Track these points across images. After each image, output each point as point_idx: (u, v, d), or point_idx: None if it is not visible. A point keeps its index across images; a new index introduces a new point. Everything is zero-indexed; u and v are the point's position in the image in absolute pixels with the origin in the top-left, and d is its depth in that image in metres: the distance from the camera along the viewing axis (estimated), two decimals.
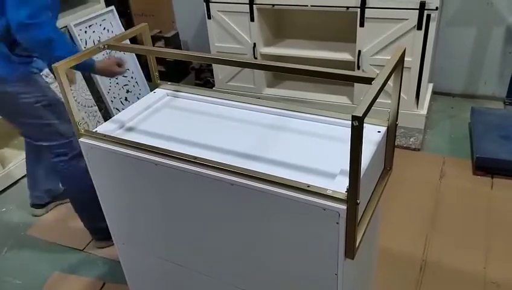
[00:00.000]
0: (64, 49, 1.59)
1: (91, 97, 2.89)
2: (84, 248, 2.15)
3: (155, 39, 3.50)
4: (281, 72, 1.18)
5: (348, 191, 0.93)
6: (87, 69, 1.87)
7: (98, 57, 1.93)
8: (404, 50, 1.05)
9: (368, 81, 0.98)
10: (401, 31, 2.54)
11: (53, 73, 1.29)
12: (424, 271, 1.88)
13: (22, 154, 2.38)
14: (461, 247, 1.98)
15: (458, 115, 2.98)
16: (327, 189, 0.96)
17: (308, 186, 0.98)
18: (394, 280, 1.85)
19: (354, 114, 0.82)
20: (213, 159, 1.10)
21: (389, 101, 1.13)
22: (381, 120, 1.19)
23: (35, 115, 1.82)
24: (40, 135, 1.90)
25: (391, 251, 1.96)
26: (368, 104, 0.85)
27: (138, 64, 3.16)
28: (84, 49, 2.78)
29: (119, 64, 1.90)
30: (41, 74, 1.84)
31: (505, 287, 1.79)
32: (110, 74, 1.91)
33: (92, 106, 2.89)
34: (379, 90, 0.91)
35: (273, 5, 2.78)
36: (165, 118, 1.36)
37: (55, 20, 1.71)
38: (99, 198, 1.41)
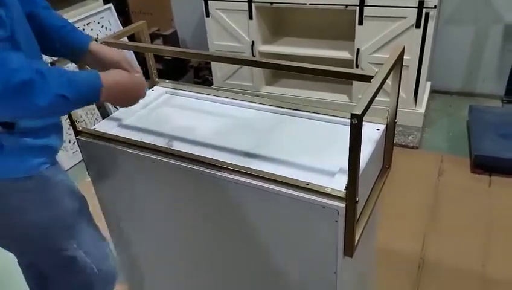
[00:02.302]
0: (54, 86, 0.87)
1: None
2: None
3: (153, 37, 3.49)
4: (280, 70, 1.18)
5: (346, 189, 0.93)
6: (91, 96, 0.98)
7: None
8: (403, 48, 1.05)
9: (367, 79, 0.98)
10: (399, 29, 2.54)
11: None
12: (422, 269, 1.88)
13: None
14: (459, 245, 1.98)
15: (456, 113, 2.99)
16: (326, 187, 0.96)
17: (307, 184, 0.98)
18: (393, 278, 1.85)
19: (353, 112, 0.82)
20: (211, 157, 1.09)
21: (388, 99, 1.13)
22: (380, 118, 1.19)
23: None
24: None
25: (389, 249, 1.96)
26: (367, 102, 0.85)
27: (136, 61, 3.15)
28: None
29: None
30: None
31: (503, 285, 1.79)
32: (132, 97, 1.12)
33: None
34: (378, 88, 0.91)
35: (272, 3, 2.77)
36: (163, 116, 1.36)
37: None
38: (97, 196, 1.41)
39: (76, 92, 0.91)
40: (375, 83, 0.93)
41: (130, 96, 1.11)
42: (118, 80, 1.04)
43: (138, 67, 1.23)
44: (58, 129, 0.99)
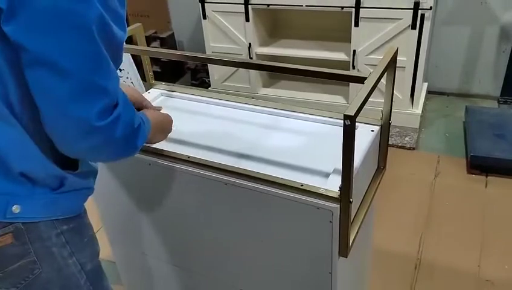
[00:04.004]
0: (136, 123, 0.89)
1: None
2: None
3: (150, 39, 3.49)
4: (276, 72, 1.19)
5: (340, 189, 0.93)
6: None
7: None
8: (397, 50, 1.06)
9: (361, 80, 0.99)
10: (395, 30, 2.55)
11: None
12: (418, 269, 1.89)
13: None
14: (456, 245, 1.99)
15: (453, 114, 3.00)
16: (320, 188, 0.97)
17: (301, 185, 0.98)
18: (389, 278, 1.85)
19: (345, 113, 0.83)
20: (207, 159, 1.10)
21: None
22: (374, 119, 1.19)
23: None
24: None
25: (386, 249, 1.96)
26: (359, 103, 0.86)
27: (133, 64, 3.15)
28: None
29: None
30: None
31: (499, 285, 1.80)
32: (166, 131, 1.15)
33: None
34: (371, 89, 0.92)
35: (268, 5, 2.78)
36: None
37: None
38: (94, 199, 1.41)
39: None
40: (368, 84, 0.93)
41: (166, 133, 1.14)
42: (156, 119, 1.07)
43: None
44: (96, 174, 1.00)
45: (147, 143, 1.01)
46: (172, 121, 1.15)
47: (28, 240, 0.86)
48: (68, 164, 0.89)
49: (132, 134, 0.87)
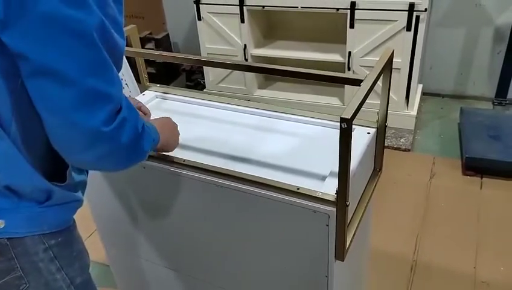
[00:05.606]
0: (141, 127, 0.86)
1: None
2: None
3: (145, 41, 3.48)
4: (271, 74, 1.18)
5: (337, 193, 0.93)
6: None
7: None
8: (393, 52, 1.05)
9: (357, 83, 0.98)
10: (390, 32, 2.55)
11: None
12: (414, 271, 1.89)
13: None
14: (451, 247, 1.99)
15: (448, 116, 3.00)
16: (317, 191, 0.96)
17: (297, 188, 0.98)
18: (385, 280, 1.85)
19: (342, 116, 0.82)
20: (202, 162, 1.09)
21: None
22: (370, 121, 1.19)
23: None
24: None
25: (382, 251, 1.96)
26: (356, 106, 0.85)
27: (128, 65, 3.13)
28: None
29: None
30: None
31: (494, 287, 1.80)
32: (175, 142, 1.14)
33: None
34: (367, 92, 0.92)
35: (264, 6, 2.77)
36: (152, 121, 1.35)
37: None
38: (88, 201, 1.39)
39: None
40: (365, 87, 0.93)
41: (176, 137, 1.14)
42: (163, 123, 1.08)
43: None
44: (86, 185, 0.98)
45: (162, 151, 1.04)
46: (176, 124, 1.14)
47: (13, 256, 0.83)
48: (55, 176, 0.87)
49: (139, 138, 0.85)
